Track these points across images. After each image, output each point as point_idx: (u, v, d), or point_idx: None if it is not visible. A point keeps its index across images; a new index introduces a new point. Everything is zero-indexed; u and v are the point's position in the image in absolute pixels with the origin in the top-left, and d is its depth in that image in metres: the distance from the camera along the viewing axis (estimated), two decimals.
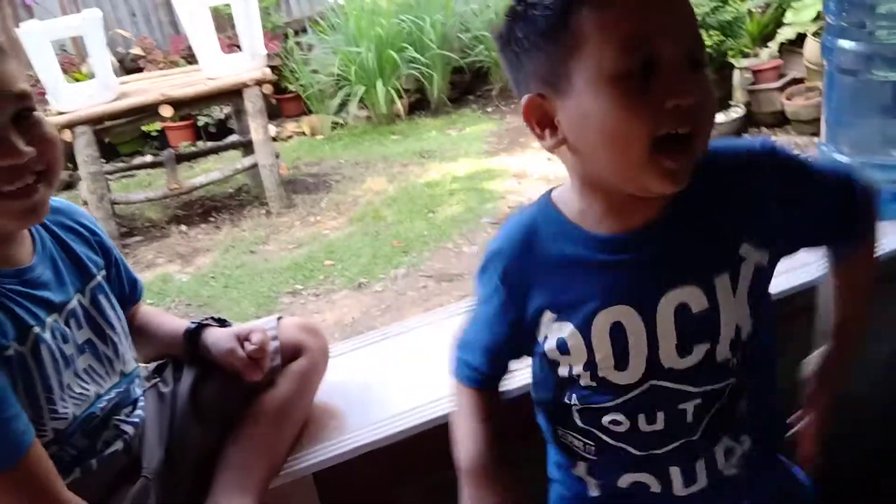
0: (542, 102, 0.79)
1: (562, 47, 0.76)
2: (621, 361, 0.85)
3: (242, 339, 1.11)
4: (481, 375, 0.97)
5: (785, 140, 4.21)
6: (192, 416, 1.09)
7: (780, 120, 4.30)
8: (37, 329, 0.90)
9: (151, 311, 1.21)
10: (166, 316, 1.21)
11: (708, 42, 4.15)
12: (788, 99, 4.21)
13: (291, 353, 1.18)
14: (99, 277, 1.03)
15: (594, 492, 0.96)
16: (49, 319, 0.93)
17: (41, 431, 0.90)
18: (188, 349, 1.13)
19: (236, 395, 1.12)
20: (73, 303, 0.97)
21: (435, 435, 1.20)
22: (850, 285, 0.97)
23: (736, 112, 4.34)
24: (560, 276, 0.86)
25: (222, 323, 1.16)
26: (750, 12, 4.52)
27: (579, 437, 0.92)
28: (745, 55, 4.53)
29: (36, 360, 0.89)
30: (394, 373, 1.33)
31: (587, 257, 0.84)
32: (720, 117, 4.29)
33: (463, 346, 0.99)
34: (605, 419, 0.88)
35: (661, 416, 0.86)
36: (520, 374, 1.19)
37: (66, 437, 0.93)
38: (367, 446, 1.17)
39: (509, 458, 0.94)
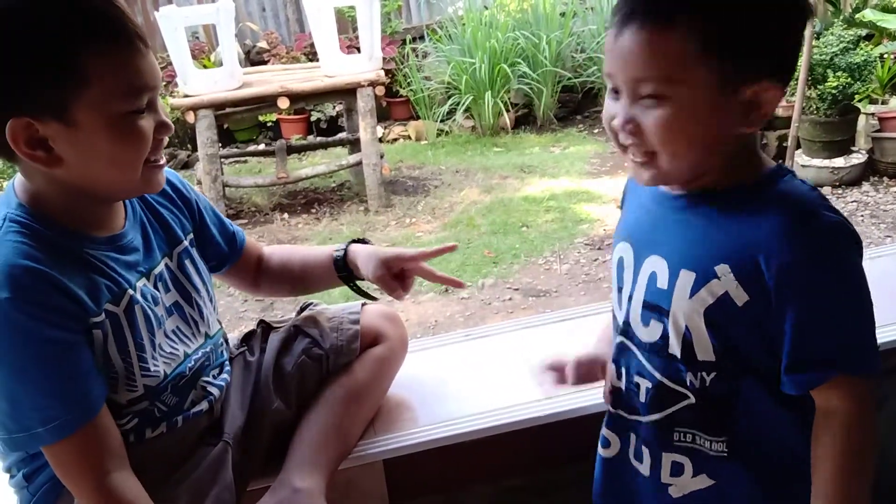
0: None
1: None
2: (619, 294, 0.95)
3: (391, 263, 1.19)
4: None
5: None
6: (273, 389, 1.13)
7: None
8: (130, 291, 0.96)
9: (286, 249, 1.28)
10: (304, 250, 1.29)
11: (833, 83, 3.97)
12: None
13: (371, 339, 1.22)
14: (186, 242, 1.08)
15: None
16: (139, 283, 0.98)
17: (132, 387, 0.95)
18: (341, 276, 1.22)
19: (315, 372, 1.16)
20: (161, 266, 1.03)
21: (507, 440, 1.21)
22: (821, 452, 0.82)
23: (857, 158, 4.13)
24: (629, 204, 0.99)
25: (363, 242, 1.24)
26: (882, 57, 4.29)
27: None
28: (873, 101, 4.31)
29: (129, 320, 0.95)
30: (472, 374, 1.35)
31: (641, 197, 0.95)
32: (839, 162, 4.10)
33: None
34: (613, 356, 0.97)
35: (624, 376, 0.95)
36: (577, 396, 1.20)
37: (156, 393, 0.98)
38: (437, 441, 1.19)
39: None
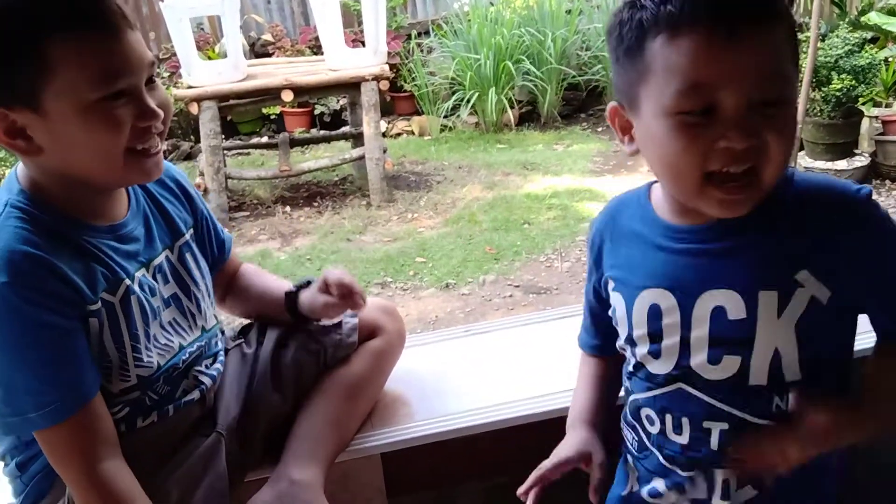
0: (621, 112, 0.85)
1: (634, 71, 0.80)
2: (654, 344, 0.88)
3: (324, 289, 1.15)
4: (591, 340, 1.06)
5: None
6: (270, 382, 1.13)
7: None
8: (127, 281, 0.96)
9: (253, 271, 1.26)
10: (268, 279, 1.25)
11: (838, 85, 3.96)
12: None
13: (368, 332, 1.22)
14: (187, 236, 1.08)
15: (625, 490, 0.98)
16: (138, 273, 0.98)
17: (125, 377, 0.95)
18: (290, 313, 1.18)
19: (313, 367, 1.17)
20: (161, 258, 1.03)
21: (504, 437, 1.22)
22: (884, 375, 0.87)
23: (860, 161, 4.12)
24: (625, 249, 0.93)
25: (308, 285, 1.20)
26: (887, 60, 4.29)
27: (629, 429, 0.97)
28: (877, 104, 4.30)
29: (125, 310, 0.95)
30: (471, 370, 1.35)
31: (649, 237, 0.89)
32: (842, 164, 4.09)
33: (584, 319, 1.08)
34: (642, 414, 0.92)
35: (686, 426, 0.87)
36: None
37: (149, 384, 0.98)
38: (435, 436, 1.20)
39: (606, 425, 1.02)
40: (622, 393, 1.01)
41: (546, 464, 0.98)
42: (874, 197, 0.84)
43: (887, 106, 4.31)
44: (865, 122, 4.19)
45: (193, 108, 4.24)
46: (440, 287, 3.51)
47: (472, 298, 3.39)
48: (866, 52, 4.10)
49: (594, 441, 0.99)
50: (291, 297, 1.18)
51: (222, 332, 1.17)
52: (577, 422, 1.03)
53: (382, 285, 3.55)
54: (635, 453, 0.97)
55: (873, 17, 4.27)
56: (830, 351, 0.86)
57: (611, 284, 0.95)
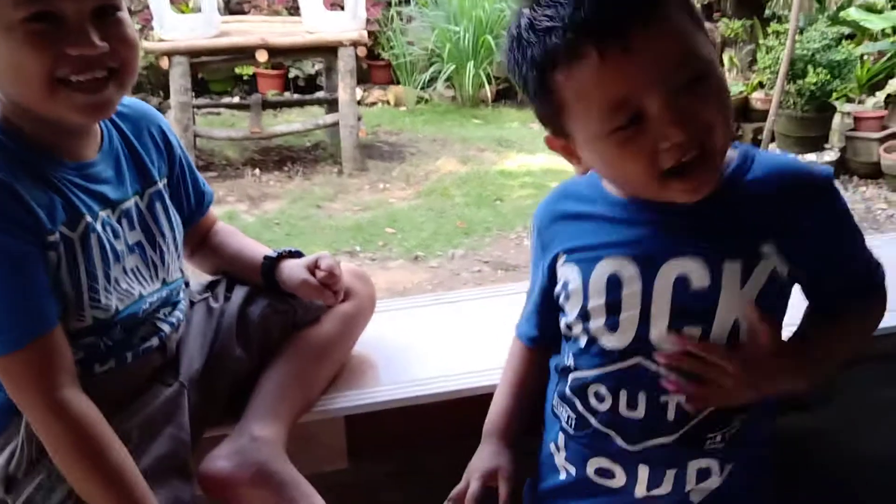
0: (557, 141, 0.84)
1: (550, 107, 0.80)
2: (612, 316, 0.85)
3: (312, 267, 1.13)
4: (531, 330, 1.03)
5: (874, 193, 4.04)
6: (235, 337, 1.11)
7: (874, 171, 4.14)
8: (88, 218, 0.93)
9: (229, 231, 1.23)
10: (244, 240, 1.22)
11: (813, 79, 4.01)
12: (887, 152, 4.04)
13: None
14: (160, 184, 1.05)
15: (562, 475, 0.96)
16: (103, 213, 0.95)
17: (80, 317, 0.93)
18: (265, 282, 1.15)
19: (280, 325, 1.14)
20: (130, 203, 1.00)
21: (469, 404, 1.21)
22: (836, 336, 0.90)
23: (829, 155, 4.19)
24: (578, 226, 0.90)
25: (295, 255, 1.18)
26: (862, 57, 4.34)
27: (567, 407, 0.93)
28: (850, 100, 4.37)
29: (84, 247, 0.92)
30: (438, 338, 1.34)
31: (605, 214, 0.88)
32: (812, 157, 4.16)
33: (525, 305, 1.05)
34: (591, 390, 0.89)
35: (642, 401, 0.86)
36: None
37: (105, 328, 0.96)
38: (400, 401, 1.19)
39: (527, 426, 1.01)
40: (569, 359, 0.96)
41: (461, 495, 0.98)
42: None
43: (860, 103, 4.38)
44: (837, 118, 4.26)
45: (164, 63, 4.13)
46: (409, 259, 3.49)
47: (441, 272, 3.38)
48: (843, 47, 4.16)
49: (502, 453, 0.98)
50: (271, 262, 1.15)
51: (187, 285, 1.14)
52: (488, 433, 1.02)
53: (351, 254, 3.52)
54: (571, 432, 0.93)
55: (852, 13, 4.32)
56: (778, 318, 0.87)
57: (561, 259, 0.91)
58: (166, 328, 1.05)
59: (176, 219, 1.08)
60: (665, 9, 0.75)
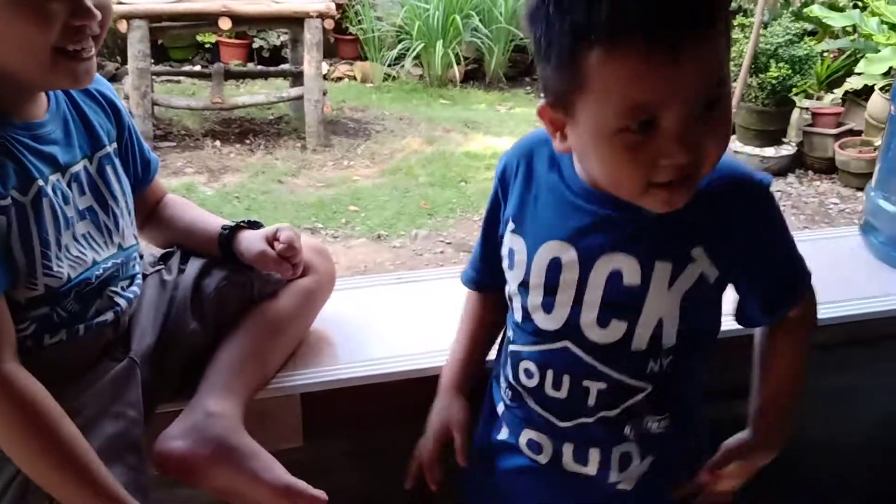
0: (553, 113, 0.80)
1: (568, 79, 0.74)
2: (548, 297, 0.88)
3: (271, 239, 1.10)
4: (476, 275, 1.05)
5: (828, 188, 4.14)
6: (190, 310, 1.08)
7: (829, 167, 4.24)
8: (40, 182, 0.90)
9: (181, 203, 1.20)
10: (197, 211, 1.19)
11: (774, 73, 4.07)
12: (842, 148, 4.13)
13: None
14: (109, 148, 1.02)
15: (502, 435, 1.00)
16: (53, 177, 0.93)
17: (32, 285, 0.90)
18: (222, 252, 1.12)
19: (237, 298, 1.12)
20: (79, 167, 0.97)
21: (427, 384, 1.21)
22: (776, 360, 0.94)
23: (787, 150, 4.28)
24: (534, 194, 0.90)
25: (254, 225, 1.15)
26: (822, 54, 4.43)
27: (504, 378, 0.97)
28: (809, 96, 4.45)
29: (36, 212, 0.90)
30: (398, 318, 1.33)
31: (561, 190, 0.88)
32: (769, 151, 4.24)
33: (473, 252, 1.06)
34: (521, 366, 0.93)
35: (566, 383, 0.89)
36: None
37: (58, 297, 0.93)
38: (356, 380, 1.18)
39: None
40: (508, 331, 0.99)
41: (422, 451, 1.02)
42: (777, 188, 0.89)
43: (818, 99, 4.47)
44: (796, 113, 4.34)
45: (122, 26, 4.00)
46: (372, 238, 3.47)
47: (404, 251, 3.37)
48: (805, 43, 4.22)
49: (453, 405, 1.01)
50: (229, 232, 1.13)
51: (141, 257, 1.11)
52: (441, 387, 1.04)
53: (313, 231, 3.48)
54: (507, 402, 0.98)
55: (815, 10, 4.40)
56: (704, 322, 0.90)
57: (511, 225, 0.92)
58: (122, 303, 1.02)
59: (127, 184, 1.05)
60: (717, 26, 0.71)
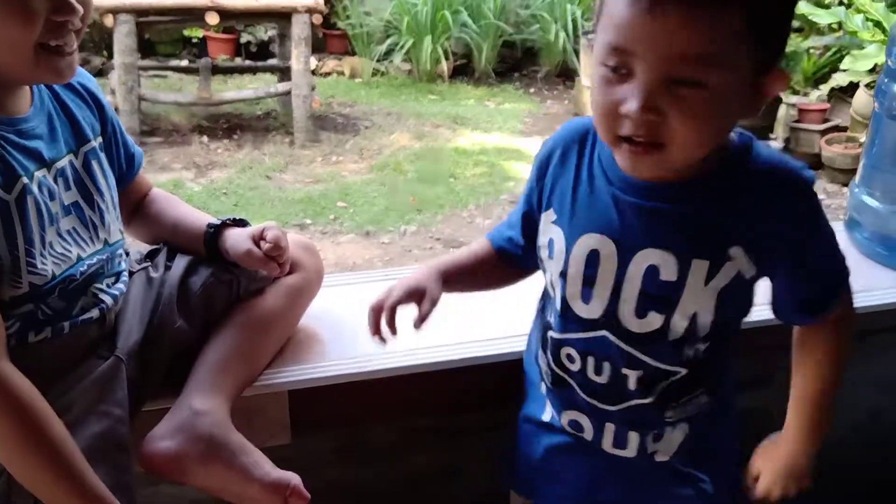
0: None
1: (598, 5, 0.80)
2: (586, 289, 0.90)
3: (258, 238, 1.10)
4: (499, 239, 1.06)
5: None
6: (176, 308, 1.08)
7: (815, 163, 4.26)
8: (25, 179, 0.89)
9: (167, 198, 1.19)
10: (184, 208, 1.18)
11: None
12: (828, 144, 4.16)
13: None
14: (94, 143, 1.02)
15: (545, 416, 1.03)
16: (38, 173, 0.92)
17: (17, 284, 0.89)
18: (207, 250, 1.12)
19: (224, 296, 1.12)
20: (64, 161, 0.97)
21: (415, 382, 1.21)
22: (815, 358, 0.96)
23: (774, 145, 4.30)
24: (575, 187, 0.91)
25: (240, 223, 1.15)
26: (808, 51, 4.45)
27: (546, 361, 0.99)
28: (795, 92, 4.48)
29: (20, 210, 0.89)
30: None
31: (603, 181, 0.89)
32: None
33: (509, 215, 1.07)
34: (563, 351, 0.95)
35: (606, 369, 0.92)
36: (489, 344, 1.21)
37: (42, 294, 0.92)
38: (344, 377, 1.18)
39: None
40: (549, 316, 1.00)
41: (389, 293, 1.00)
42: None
43: (805, 95, 4.49)
44: (783, 109, 4.36)
45: (108, 21, 3.96)
46: (360, 234, 3.46)
47: (392, 248, 3.36)
48: (792, 40, 4.25)
49: (435, 280, 1.00)
50: (214, 230, 1.12)
51: (127, 254, 1.10)
52: (432, 266, 1.04)
53: (301, 227, 3.47)
54: (549, 384, 1.00)
55: (801, 7, 4.41)
56: (739, 310, 0.92)
57: (551, 216, 0.93)
58: (108, 300, 1.02)
59: (112, 178, 1.05)
60: (722, 5, 0.70)
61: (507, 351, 1.21)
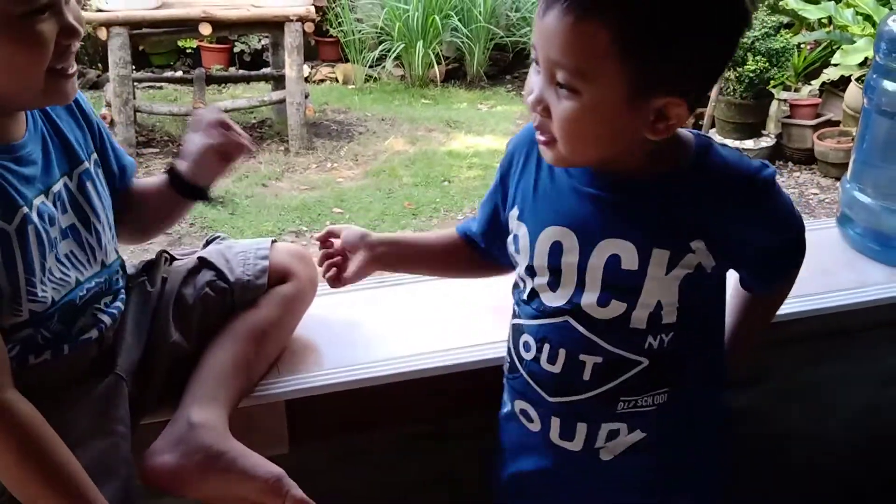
0: None
1: None
2: (553, 277, 0.92)
3: (208, 130, 1.09)
4: (466, 226, 1.12)
5: (807, 179, 4.18)
6: (173, 321, 1.08)
7: (808, 157, 4.28)
8: (25, 209, 0.89)
9: (138, 182, 1.17)
10: (149, 179, 1.17)
11: (752, 67, 4.11)
12: (820, 139, 4.18)
13: (279, 276, 1.17)
14: (88, 164, 1.01)
15: (505, 407, 1.05)
16: (37, 200, 0.92)
17: (17, 312, 0.89)
18: (176, 188, 1.11)
19: (218, 307, 1.12)
20: (60, 185, 0.96)
21: (412, 388, 1.22)
22: (756, 317, 1.06)
23: (766, 141, 4.32)
24: (537, 182, 0.94)
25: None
26: (799, 46, 4.47)
27: (507, 350, 1.01)
28: (787, 88, 4.49)
29: (21, 239, 0.89)
30: (382, 320, 1.33)
31: (564, 178, 0.91)
32: (749, 144, 4.27)
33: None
34: (521, 339, 0.96)
35: (561, 357, 0.92)
36: (482, 349, 1.22)
37: (42, 320, 0.92)
38: (342, 385, 1.18)
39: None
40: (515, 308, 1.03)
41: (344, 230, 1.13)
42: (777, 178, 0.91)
43: (796, 90, 4.51)
44: (774, 105, 4.38)
45: (102, 34, 3.98)
46: None
47: None
48: (781, 36, 4.26)
49: (380, 248, 1.10)
50: (174, 172, 1.11)
51: (124, 270, 1.11)
52: (386, 235, 1.11)
53: (297, 234, 3.48)
54: (505, 373, 1.03)
55: (791, 3, 4.43)
56: (706, 301, 0.94)
57: (515, 212, 0.96)
58: (107, 319, 1.02)
59: (107, 198, 1.05)
60: (598, 21, 0.75)
61: (494, 356, 1.21)
